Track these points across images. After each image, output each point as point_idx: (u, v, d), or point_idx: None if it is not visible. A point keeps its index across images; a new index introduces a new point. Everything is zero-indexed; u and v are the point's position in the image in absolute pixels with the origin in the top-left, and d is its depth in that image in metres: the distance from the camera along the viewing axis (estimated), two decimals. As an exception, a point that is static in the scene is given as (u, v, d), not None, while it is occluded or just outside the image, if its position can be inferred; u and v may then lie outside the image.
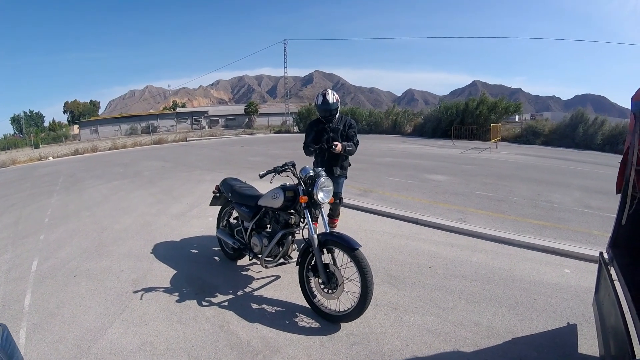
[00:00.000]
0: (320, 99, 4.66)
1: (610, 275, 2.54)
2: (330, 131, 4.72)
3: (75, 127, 65.43)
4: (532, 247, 4.95)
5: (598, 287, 2.89)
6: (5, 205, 9.56)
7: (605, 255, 2.77)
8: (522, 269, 4.30)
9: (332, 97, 4.62)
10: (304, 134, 4.95)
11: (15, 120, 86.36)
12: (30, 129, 71.31)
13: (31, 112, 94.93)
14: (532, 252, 4.82)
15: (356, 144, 4.81)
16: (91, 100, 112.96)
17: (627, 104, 2.52)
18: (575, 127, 21.68)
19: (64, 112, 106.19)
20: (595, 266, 3.06)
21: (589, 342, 2.94)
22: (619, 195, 2.69)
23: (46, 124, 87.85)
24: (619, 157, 2.64)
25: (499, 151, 17.51)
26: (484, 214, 6.52)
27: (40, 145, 41.86)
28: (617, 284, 2.37)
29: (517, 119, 32.62)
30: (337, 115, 4.71)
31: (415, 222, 6.09)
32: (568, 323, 3.22)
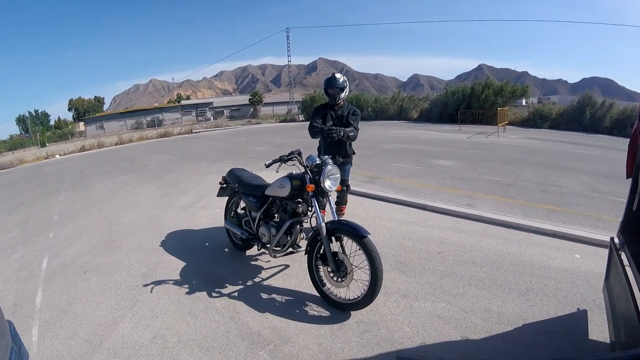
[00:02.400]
0: (328, 76, 4.73)
1: (621, 260, 2.50)
2: (335, 118, 4.68)
3: (81, 124, 65.79)
4: (541, 232, 4.90)
5: (608, 272, 2.85)
6: (13, 204, 9.65)
7: (616, 240, 2.73)
8: (532, 254, 4.27)
9: (340, 76, 4.69)
10: (311, 117, 4.89)
11: (20, 121, 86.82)
12: (36, 128, 71.57)
13: (36, 111, 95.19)
14: (542, 237, 4.78)
15: (356, 128, 4.74)
16: (95, 97, 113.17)
17: (635, 87, 2.47)
18: (583, 111, 21.48)
19: (69, 109, 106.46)
20: (606, 251, 3.02)
21: (599, 327, 2.91)
22: (629, 179, 2.64)
23: (52, 123, 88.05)
24: (628, 141, 2.59)
25: (506, 135, 17.37)
26: (492, 199, 6.48)
27: (47, 144, 42.08)
28: (628, 269, 2.33)
29: (524, 103, 32.32)
30: (342, 96, 4.66)
31: (424, 208, 6.06)
32: (578, 309, 3.20)
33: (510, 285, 3.59)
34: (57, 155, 25.01)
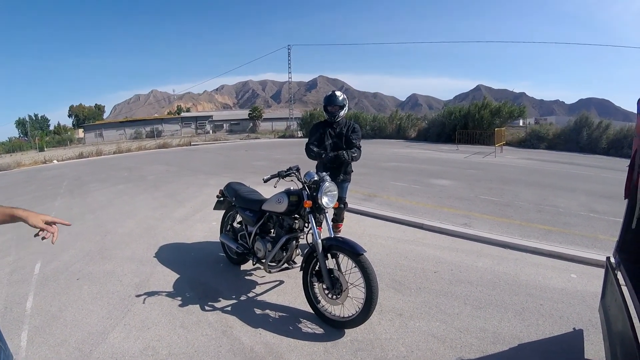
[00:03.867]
0: (328, 94, 4.77)
1: (617, 280, 2.51)
2: (334, 136, 4.70)
3: (80, 130, 66.01)
4: (538, 252, 4.91)
5: (604, 292, 2.85)
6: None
7: (612, 260, 2.74)
8: (528, 274, 4.26)
9: (340, 94, 4.76)
10: (308, 135, 4.93)
11: (20, 124, 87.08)
12: (36, 132, 71.85)
13: (36, 115, 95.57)
14: (538, 257, 4.78)
15: (359, 147, 4.77)
16: (96, 104, 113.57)
17: (631, 107, 2.49)
18: (580, 131, 21.72)
19: (69, 115, 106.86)
20: (602, 271, 3.02)
21: (595, 347, 2.90)
22: (626, 199, 2.65)
23: (51, 128, 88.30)
24: (624, 161, 2.62)
25: (504, 155, 17.46)
26: (489, 218, 6.49)
27: (45, 149, 42.15)
28: (624, 289, 2.33)
29: (521, 123, 32.61)
30: (342, 114, 4.68)
31: (420, 227, 6.06)
32: (574, 328, 3.18)
33: (506, 305, 3.57)
34: (55, 161, 25.03)
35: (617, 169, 13.49)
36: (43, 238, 1.76)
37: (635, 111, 2.46)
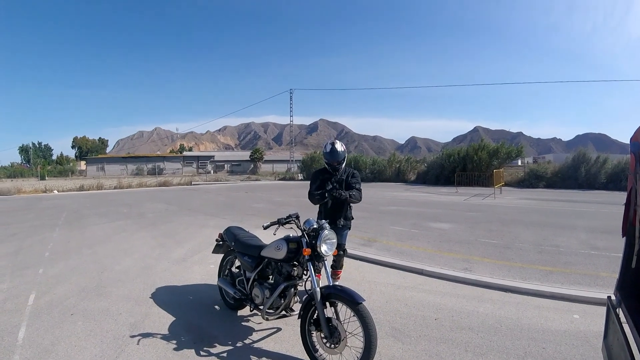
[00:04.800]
0: (329, 147, 4.74)
1: (619, 318, 2.49)
2: (335, 182, 4.76)
3: (82, 162, 66.95)
4: (539, 294, 4.88)
5: (607, 331, 2.82)
6: (6, 234, 9.70)
7: (613, 298, 2.73)
8: (530, 317, 4.21)
9: (340, 146, 4.72)
10: (309, 182, 4.98)
11: (23, 150, 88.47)
12: (38, 160, 72.88)
13: (40, 143, 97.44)
14: (540, 299, 4.74)
15: (359, 190, 4.82)
16: (100, 138, 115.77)
17: (628, 139, 2.52)
18: (578, 168, 21.98)
19: (73, 147, 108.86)
20: (605, 310, 3.00)
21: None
22: (624, 237, 2.67)
23: (54, 157, 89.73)
24: (623, 194, 2.65)
25: (503, 196, 17.53)
26: (489, 262, 6.46)
27: (46, 177, 42.63)
28: (626, 327, 2.32)
29: (519, 163, 32.92)
30: (343, 165, 4.78)
31: (420, 272, 6.01)
32: None
33: (508, 351, 3.51)
34: (56, 191, 25.30)
35: (617, 203, 13.56)
36: None
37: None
